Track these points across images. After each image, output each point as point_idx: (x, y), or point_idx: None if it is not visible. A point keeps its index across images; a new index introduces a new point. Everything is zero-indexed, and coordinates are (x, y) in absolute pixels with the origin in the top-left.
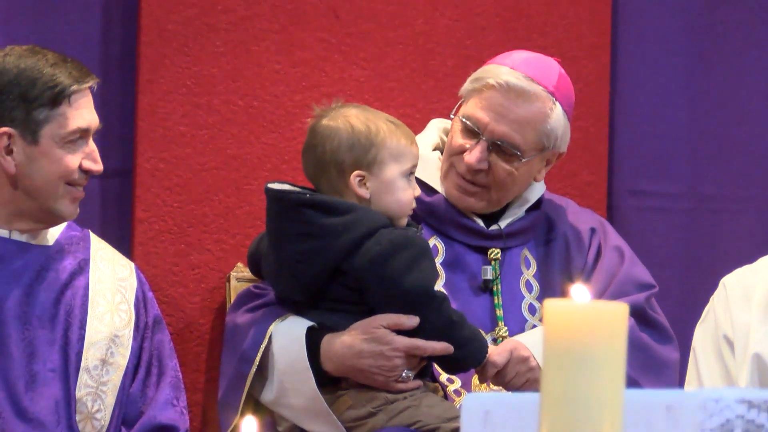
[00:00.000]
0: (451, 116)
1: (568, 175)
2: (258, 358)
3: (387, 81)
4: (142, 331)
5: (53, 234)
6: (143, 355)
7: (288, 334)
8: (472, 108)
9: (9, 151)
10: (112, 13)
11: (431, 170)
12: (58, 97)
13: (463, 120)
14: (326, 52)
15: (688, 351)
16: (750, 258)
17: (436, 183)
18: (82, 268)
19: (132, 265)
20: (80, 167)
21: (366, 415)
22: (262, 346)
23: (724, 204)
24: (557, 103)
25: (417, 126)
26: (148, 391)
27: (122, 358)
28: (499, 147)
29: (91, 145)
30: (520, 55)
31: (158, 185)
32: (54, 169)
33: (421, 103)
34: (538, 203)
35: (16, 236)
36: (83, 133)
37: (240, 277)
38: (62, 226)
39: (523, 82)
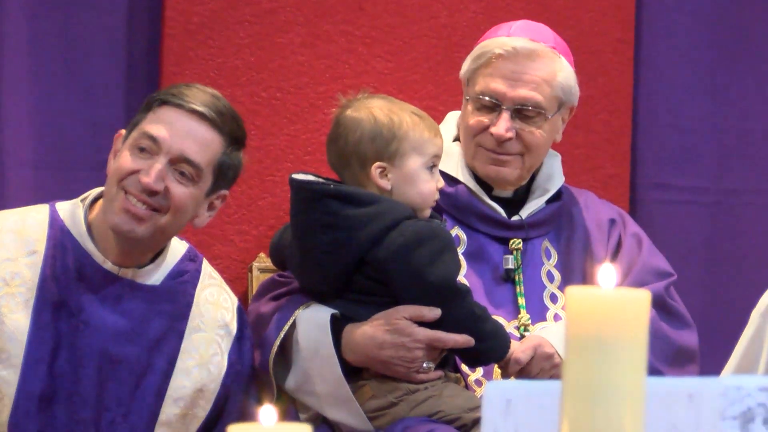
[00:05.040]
0: (466, 98)
1: (591, 168)
2: (277, 343)
3: (411, 73)
4: (231, 378)
5: (164, 270)
6: (229, 405)
7: (312, 321)
8: (484, 83)
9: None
10: (137, 6)
11: (452, 161)
12: (149, 103)
13: (480, 97)
14: (350, 45)
15: (709, 343)
16: None
17: (457, 173)
18: (183, 314)
19: (235, 304)
20: (138, 178)
21: (388, 405)
22: (283, 332)
23: (747, 197)
24: (561, 57)
25: (440, 119)
26: None
27: (203, 410)
28: (521, 112)
29: (157, 164)
30: (512, 24)
31: None
32: (115, 166)
33: (445, 95)
34: (558, 195)
35: (125, 273)
36: (152, 143)
37: (262, 267)
38: (177, 256)
39: (527, 43)
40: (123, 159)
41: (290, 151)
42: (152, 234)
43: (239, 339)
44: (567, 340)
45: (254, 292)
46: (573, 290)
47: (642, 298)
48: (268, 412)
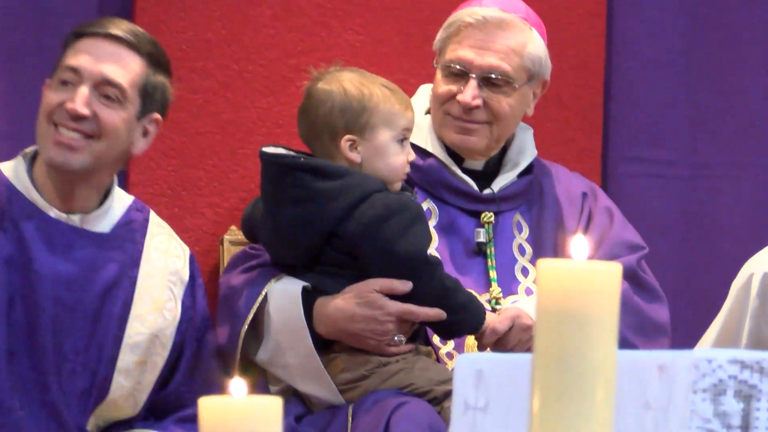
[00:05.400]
0: (435, 65)
1: (563, 141)
2: (250, 316)
3: (382, 46)
4: (186, 325)
5: (112, 218)
6: (185, 353)
7: (284, 294)
8: (453, 51)
9: None
10: None
11: (423, 133)
12: (66, 41)
13: (449, 65)
14: (322, 17)
15: (682, 316)
16: (746, 224)
17: (428, 146)
18: (134, 261)
19: (187, 253)
20: (65, 106)
21: (359, 377)
22: (256, 304)
23: (720, 170)
24: (533, 29)
25: (412, 92)
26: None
27: (160, 358)
28: (489, 80)
29: (83, 90)
30: None
31: (152, 149)
32: (42, 105)
33: (417, 68)
34: (530, 168)
35: (73, 221)
36: (73, 74)
37: (233, 240)
38: (124, 206)
39: (497, 13)
40: (48, 97)
41: (262, 125)
42: (91, 165)
43: (191, 286)
44: (538, 312)
45: (225, 264)
46: (544, 263)
47: (614, 270)
48: (238, 384)
